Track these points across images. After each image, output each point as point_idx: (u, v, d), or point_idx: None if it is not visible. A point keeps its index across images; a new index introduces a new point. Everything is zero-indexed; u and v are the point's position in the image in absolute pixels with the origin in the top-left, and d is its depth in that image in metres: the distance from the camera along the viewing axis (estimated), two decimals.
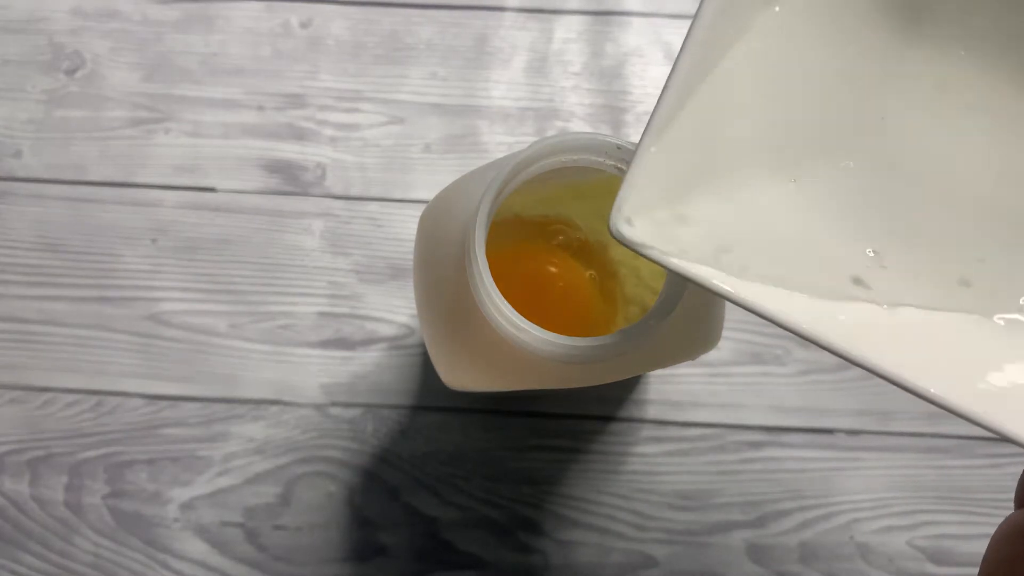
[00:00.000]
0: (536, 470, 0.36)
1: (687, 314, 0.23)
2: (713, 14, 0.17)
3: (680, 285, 0.21)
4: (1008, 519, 0.18)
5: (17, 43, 0.39)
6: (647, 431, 0.36)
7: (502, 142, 0.38)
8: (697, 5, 0.17)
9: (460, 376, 0.26)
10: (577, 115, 0.38)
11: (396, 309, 0.37)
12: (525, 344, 0.21)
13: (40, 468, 0.36)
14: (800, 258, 0.18)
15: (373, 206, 0.38)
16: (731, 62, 0.18)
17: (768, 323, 0.16)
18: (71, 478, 0.36)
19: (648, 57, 0.39)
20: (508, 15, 0.39)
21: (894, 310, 0.17)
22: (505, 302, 0.21)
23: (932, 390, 0.16)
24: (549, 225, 0.25)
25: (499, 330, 0.22)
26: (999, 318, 0.17)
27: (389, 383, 0.37)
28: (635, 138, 0.38)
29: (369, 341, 0.37)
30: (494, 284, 0.21)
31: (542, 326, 0.21)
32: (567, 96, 0.39)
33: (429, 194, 0.38)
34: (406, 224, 0.38)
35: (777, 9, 0.18)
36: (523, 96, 0.39)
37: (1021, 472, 0.19)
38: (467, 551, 0.35)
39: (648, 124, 0.17)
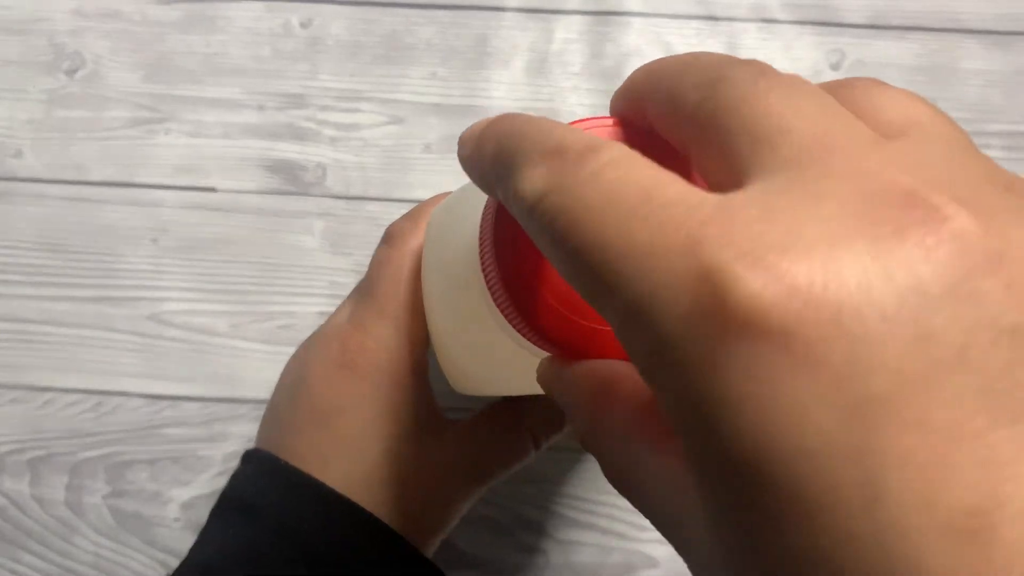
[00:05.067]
0: (537, 470, 0.36)
1: None
2: None
3: None
4: (586, 369, 0.18)
5: (18, 43, 0.39)
6: None
7: None
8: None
9: (470, 381, 0.26)
10: (577, 115, 0.38)
11: None
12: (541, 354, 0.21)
13: (41, 468, 0.36)
14: None
15: (373, 206, 0.38)
16: None
17: None
18: (72, 478, 0.36)
19: (648, 58, 0.39)
20: (508, 15, 0.39)
21: None
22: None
23: None
24: None
25: (516, 340, 0.22)
26: None
27: None
28: None
29: None
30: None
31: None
32: (567, 96, 0.39)
33: (430, 194, 0.38)
34: None
35: None
36: (523, 96, 0.39)
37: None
38: (468, 551, 0.35)
39: None
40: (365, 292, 0.29)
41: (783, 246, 0.12)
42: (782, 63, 0.39)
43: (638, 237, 0.13)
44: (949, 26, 0.39)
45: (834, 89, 0.15)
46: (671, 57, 0.17)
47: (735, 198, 0.13)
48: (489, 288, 0.20)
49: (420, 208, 0.30)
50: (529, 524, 0.36)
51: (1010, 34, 0.39)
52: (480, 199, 0.22)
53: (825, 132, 0.13)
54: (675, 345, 0.12)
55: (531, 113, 0.40)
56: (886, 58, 0.39)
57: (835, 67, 0.39)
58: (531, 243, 0.18)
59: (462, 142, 0.18)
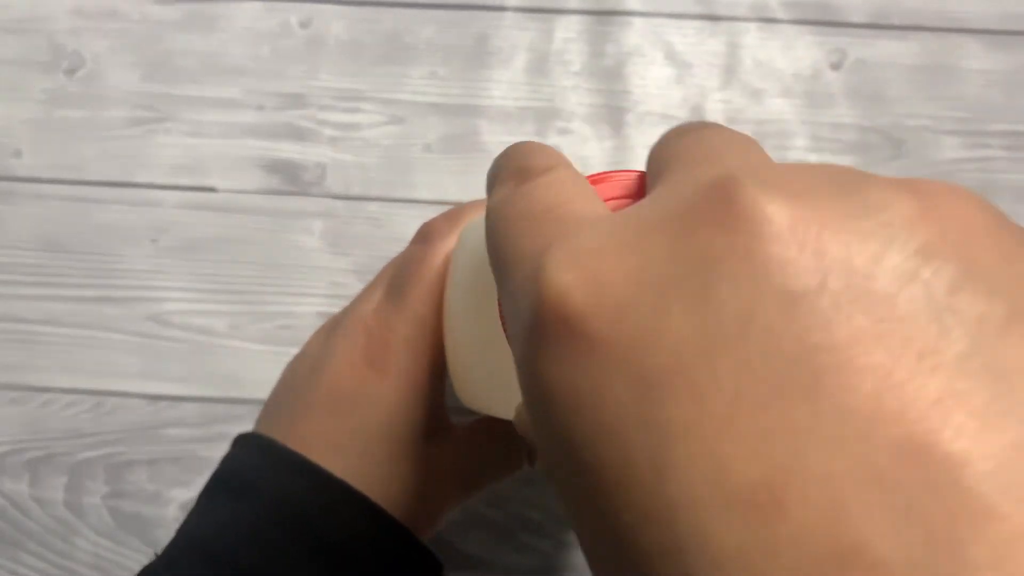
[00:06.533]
0: (537, 471, 0.36)
1: None
2: None
3: None
4: None
5: (17, 43, 0.39)
6: None
7: (503, 142, 0.38)
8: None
9: (479, 398, 0.26)
10: (578, 115, 0.38)
11: None
12: None
13: (40, 468, 0.36)
14: None
15: (373, 206, 0.38)
16: None
17: None
18: (71, 478, 0.36)
19: (649, 57, 0.39)
20: (508, 15, 0.39)
21: None
22: None
23: None
24: None
25: None
26: None
27: None
28: (635, 139, 0.38)
29: None
30: None
31: None
32: (567, 96, 0.39)
33: (429, 194, 0.38)
34: (406, 224, 0.38)
35: None
36: (523, 96, 0.39)
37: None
38: (468, 552, 0.35)
39: None
40: (395, 288, 0.29)
41: (600, 247, 0.13)
42: (783, 62, 0.39)
43: (518, 243, 0.14)
44: (949, 26, 0.39)
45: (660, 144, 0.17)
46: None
47: (610, 215, 0.14)
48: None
49: (459, 210, 0.30)
50: (529, 524, 0.36)
51: (1011, 34, 0.39)
52: None
53: (695, 162, 0.15)
54: (519, 339, 0.14)
55: (532, 112, 0.40)
56: (886, 58, 0.39)
57: (835, 67, 0.39)
58: None
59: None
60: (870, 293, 0.11)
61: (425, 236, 0.29)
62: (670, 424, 0.11)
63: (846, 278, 0.11)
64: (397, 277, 0.29)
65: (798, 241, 0.11)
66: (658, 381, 0.11)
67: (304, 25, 0.39)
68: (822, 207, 0.12)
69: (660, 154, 0.16)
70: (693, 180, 0.13)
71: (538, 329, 0.13)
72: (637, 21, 0.39)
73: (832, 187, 0.12)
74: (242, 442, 0.29)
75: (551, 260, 0.13)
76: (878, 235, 0.11)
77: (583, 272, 0.13)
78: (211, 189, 0.38)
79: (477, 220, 0.27)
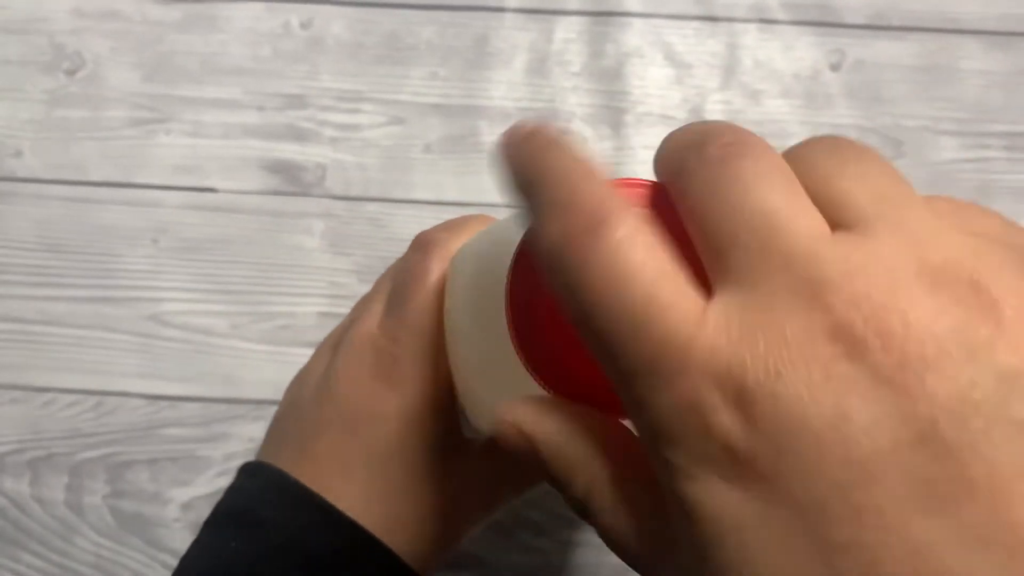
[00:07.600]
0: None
1: None
2: None
3: None
4: None
5: (17, 43, 0.39)
6: None
7: None
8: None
9: (490, 421, 0.26)
10: (577, 116, 0.38)
11: None
12: None
13: (41, 468, 0.36)
14: None
15: (373, 206, 0.38)
16: None
17: None
18: (71, 478, 0.36)
19: (648, 58, 0.39)
20: (508, 15, 0.39)
21: None
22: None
23: None
24: None
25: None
26: None
27: None
28: (634, 139, 0.38)
29: None
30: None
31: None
32: (567, 96, 0.39)
33: (429, 194, 0.38)
34: (407, 224, 0.38)
35: None
36: (523, 96, 0.39)
37: None
38: (468, 551, 0.35)
39: None
40: (397, 301, 0.28)
41: (743, 379, 0.13)
42: (782, 63, 0.39)
43: (642, 346, 0.14)
44: (949, 26, 0.39)
45: (810, 161, 0.16)
46: (674, 133, 0.17)
47: (709, 316, 0.14)
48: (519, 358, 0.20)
49: (458, 221, 0.29)
50: (529, 524, 0.36)
51: (1010, 34, 0.39)
52: (514, 244, 0.22)
53: (769, 240, 0.14)
54: (666, 459, 0.14)
55: (531, 113, 0.40)
56: (886, 58, 0.39)
57: (835, 67, 0.39)
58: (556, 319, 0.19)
59: (502, 143, 0.18)
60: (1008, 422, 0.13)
61: (423, 246, 0.28)
62: (834, 545, 0.13)
63: (984, 420, 0.13)
64: (397, 289, 0.28)
65: (916, 369, 0.13)
66: (815, 512, 0.13)
67: (304, 26, 0.39)
68: (939, 336, 0.13)
69: (717, 219, 0.15)
70: (817, 300, 0.14)
71: (701, 465, 0.14)
72: (637, 22, 0.39)
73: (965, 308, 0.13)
74: (249, 472, 0.28)
75: (706, 389, 0.14)
76: (974, 370, 0.13)
77: (745, 415, 0.13)
78: (211, 189, 0.38)
79: (479, 237, 0.26)
